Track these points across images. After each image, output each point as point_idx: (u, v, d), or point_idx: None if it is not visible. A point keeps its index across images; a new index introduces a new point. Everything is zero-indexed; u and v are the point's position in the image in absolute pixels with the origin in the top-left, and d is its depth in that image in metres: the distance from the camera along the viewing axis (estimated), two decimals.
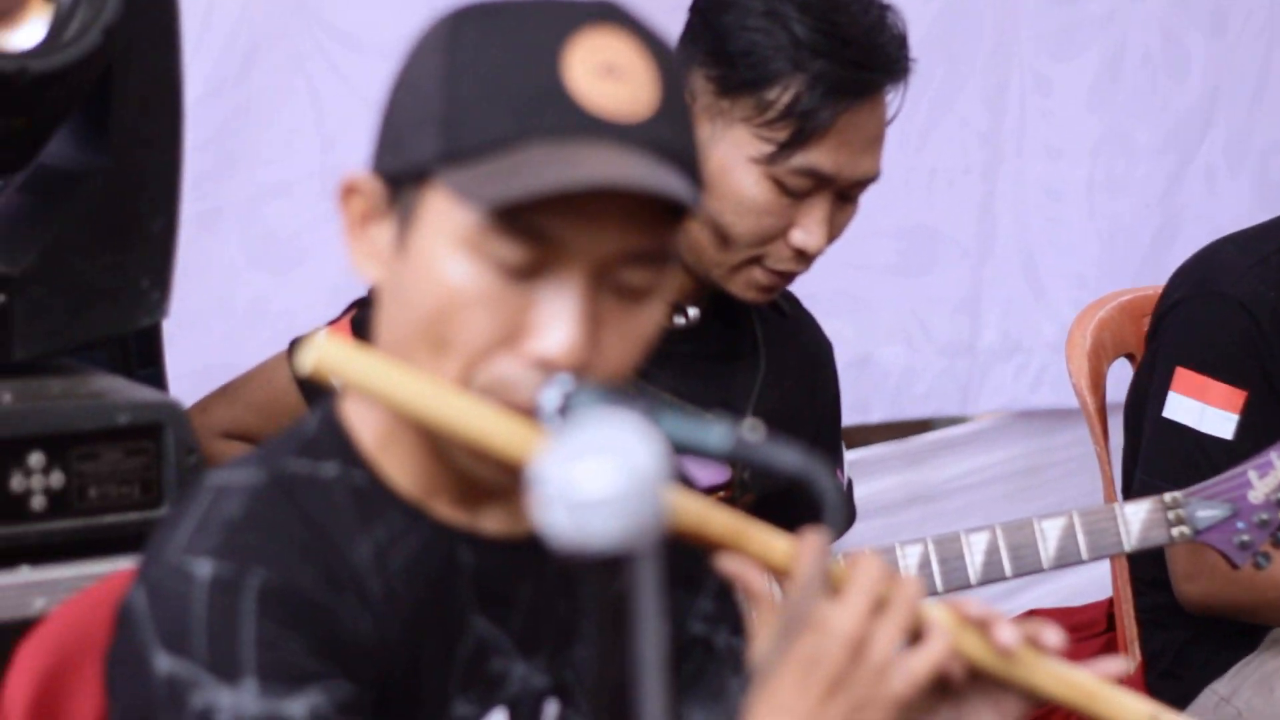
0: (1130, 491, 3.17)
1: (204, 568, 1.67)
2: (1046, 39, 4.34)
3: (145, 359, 2.67)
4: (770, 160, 2.47)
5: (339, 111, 3.68)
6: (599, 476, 1.27)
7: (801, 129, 2.46)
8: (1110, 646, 3.17)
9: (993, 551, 2.64)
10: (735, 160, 2.48)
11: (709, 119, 2.48)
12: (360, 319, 2.50)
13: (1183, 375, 3.15)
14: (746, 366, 2.67)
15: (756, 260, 2.52)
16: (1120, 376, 3.40)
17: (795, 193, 2.49)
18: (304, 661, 1.66)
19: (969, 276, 4.37)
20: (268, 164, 3.66)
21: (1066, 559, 2.68)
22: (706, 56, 2.49)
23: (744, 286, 2.54)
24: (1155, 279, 3.49)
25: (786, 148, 2.47)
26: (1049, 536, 2.67)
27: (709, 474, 2.52)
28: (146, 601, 1.69)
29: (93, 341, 2.43)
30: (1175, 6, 4.43)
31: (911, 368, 4.35)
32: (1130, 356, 3.39)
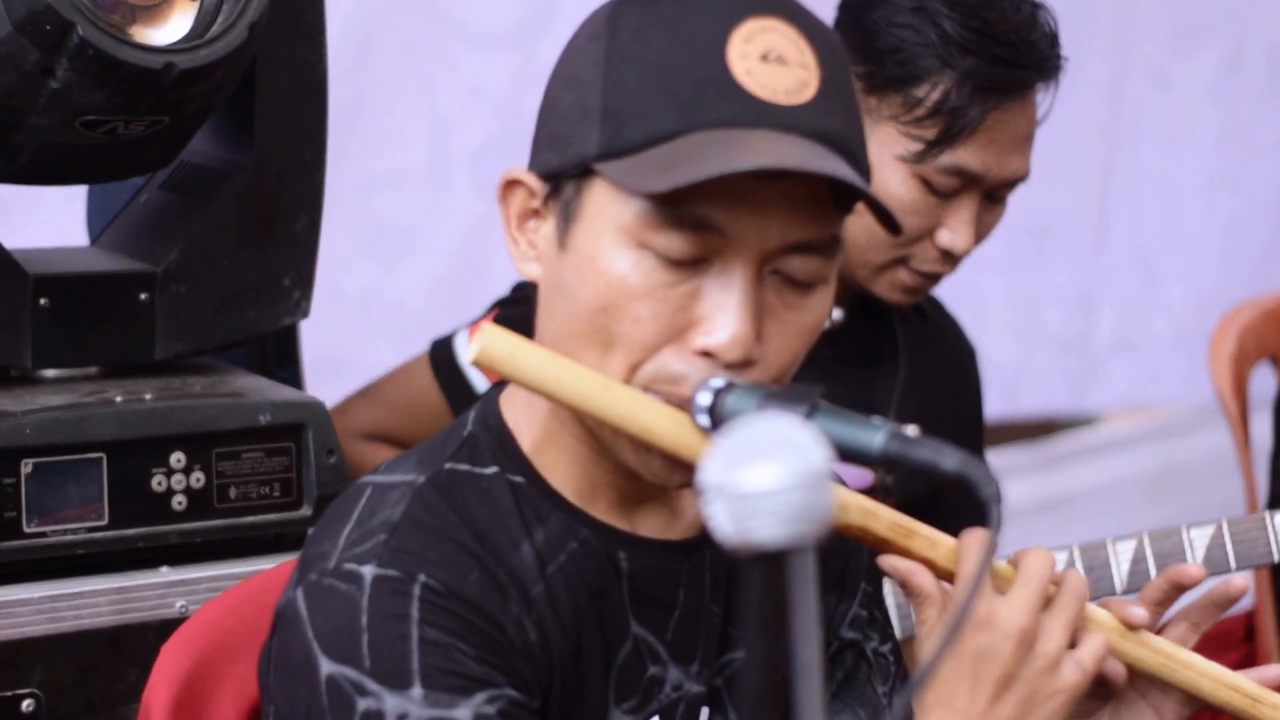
0: (1276, 485, 3.13)
1: (366, 572, 1.64)
2: (1166, 33, 4.29)
3: (284, 358, 2.65)
4: (918, 159, 2.43)
5: (451, 103, 3.67)
6: (768, 471, 1.25)
7: (950, 127, 2.42)
8: (1250, 657, 3.11)
9: (1139, 560, 2.58)
10: (883, 158, 2.44)
11: None
12: (504, 318, 2.47)
13: None
14: (886, 371, 2.63)
15: (902, 261, 2.48)
16: (1259, 381, 3.36)
17: (943, 192, 2.45)
18: (469, 667, 1.63)
19: (1083, 271, 4.34)
20: (379, 154, 3.65)
21: (1214, 569, 2.62)
22: (854, 53, 2.44)
23: (889, 288, 2.50)
24: (1274, 276, 3.45)
25: (934, 146, 2.42)
26: (1197, 546, 2.61)
27: (851, 477, 2.48)
28: (306, 605, 1.66)
29: (233, 341, 2.42)
30: None
31: (1023, 362, 4.31)
32: (1273, 360, 3.34)
